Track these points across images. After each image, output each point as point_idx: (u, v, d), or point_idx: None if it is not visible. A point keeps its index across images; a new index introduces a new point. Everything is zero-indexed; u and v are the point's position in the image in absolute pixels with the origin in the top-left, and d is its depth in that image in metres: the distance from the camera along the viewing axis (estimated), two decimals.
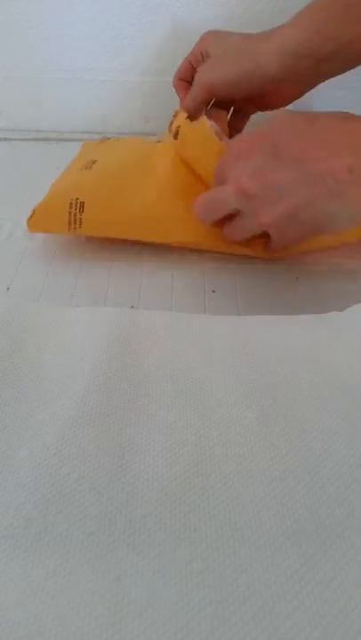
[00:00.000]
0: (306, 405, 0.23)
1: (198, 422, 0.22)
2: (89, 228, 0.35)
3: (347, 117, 0.28)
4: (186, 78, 0.42)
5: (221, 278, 0.35)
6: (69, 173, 0.41)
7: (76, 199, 0.35)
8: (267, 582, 0.17)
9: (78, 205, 0.34)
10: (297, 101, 0.42)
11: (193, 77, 0.39)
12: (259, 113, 0.42)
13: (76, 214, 0.34)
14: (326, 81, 0.38)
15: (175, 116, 0.40)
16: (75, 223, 0.34)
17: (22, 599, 0.16)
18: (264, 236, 0.31)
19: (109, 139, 0.48)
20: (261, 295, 0.33)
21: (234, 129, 0.42)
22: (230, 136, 0.40)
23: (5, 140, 0.54)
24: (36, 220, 0.35)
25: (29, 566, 0.17)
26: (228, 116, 0.41)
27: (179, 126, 0.38)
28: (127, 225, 0.35)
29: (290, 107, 0.40)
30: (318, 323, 0.28)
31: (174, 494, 0.19)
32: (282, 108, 0.31)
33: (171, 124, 0.40)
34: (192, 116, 0.38)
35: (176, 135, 0.38)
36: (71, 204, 0.35)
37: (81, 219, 0.34)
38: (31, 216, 0.35)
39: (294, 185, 0.27)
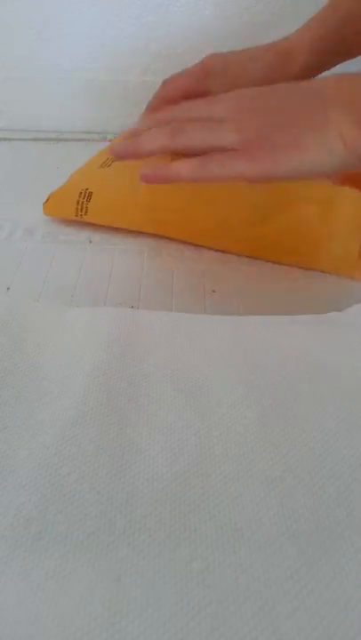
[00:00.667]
0: (306, 405, 0.23)
1: (198, 422, 0.22)
2: (93, 215, 0.38)
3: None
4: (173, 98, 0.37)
5: (221, 278, 0.35)
6: (89, 167, 0.42)
7: (86, 189, 0.38)
8: (267, 582, 0.17)
9: (87, 195, 0.38)
10: None
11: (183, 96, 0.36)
12: None
13: (83, 202, 0.38)
14: None
15: None
16: (81, 211, 0.38)
17: (22, 599, 0.16)
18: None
19: None
20: (261, 295, 0.33)
21: None
22: None
23: (5, 139, 0.54)
24: (50, 205, 0.39)
25: (29, 566, 0.17)
26: None
27: None
28: (128, 216, 0.38)
29: None
30: (318, 323, 0.28)
31: (174, 494, 0.19)
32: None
33: None
34: None
35: None
36: (81, 193, 0.38)
37: (87, 207, 0.38)
38: (47, 201, 0.39)
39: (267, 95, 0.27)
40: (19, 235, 0.39)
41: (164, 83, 0.37)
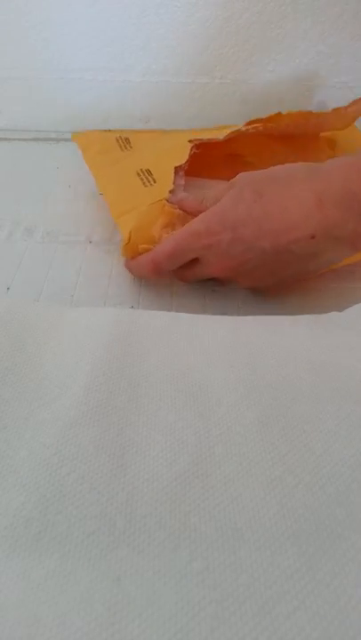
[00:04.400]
0: (306, 405, 0.23)
1: (198, 422, 0.22)
2: None
3: (291, 179, 0.28)
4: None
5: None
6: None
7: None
8: (267, 582, 0.17)
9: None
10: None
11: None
12: None
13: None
14: None
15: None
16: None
17: (22, 599, 0.16)
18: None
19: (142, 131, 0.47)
20: (261, 295, 0.33)
21: None
22: None
23: (5, 139, 0.54)
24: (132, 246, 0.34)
25: (29, 566, 0.17)
26: None
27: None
28: None
29: None
30: (318, 323, 0.28)
31: (174, 494, 0.19)
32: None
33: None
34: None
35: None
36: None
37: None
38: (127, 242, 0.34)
39: (265, 260, 0.29)
40: (19, 235, 0.39)
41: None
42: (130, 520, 0.18)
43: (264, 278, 0.31)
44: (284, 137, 0.44)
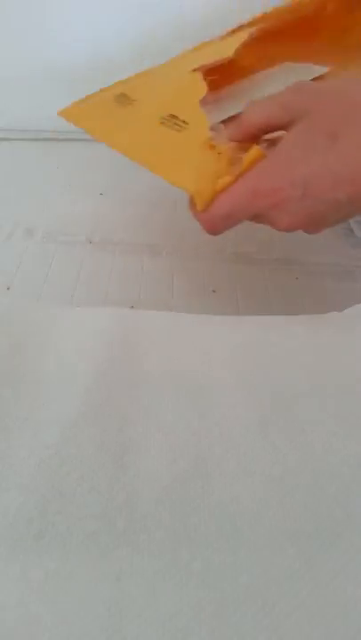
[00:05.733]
0: (306, 405, 0.23)
1: (198, 422, 0.22)
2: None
3: None
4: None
5: (221, 278, 0.35)
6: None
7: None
8: (267, 582, 0.17)
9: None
10: None
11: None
12: None
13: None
14: None
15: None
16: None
17: (22, 599, 0.16)
18: None
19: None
20: (261, 295, 0.33)
21: None
22: None
23: (5, 139, 0.54)
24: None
25: (29, 566, 0.17)
26: None
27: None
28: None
29: None
30: (318, 323, 0.28)
31: (174, 494, 0.19)
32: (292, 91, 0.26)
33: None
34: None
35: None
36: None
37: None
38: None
39: (336, 211, 0.26)
40: (19, 235, 0.39)
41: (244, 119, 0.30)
42: (130, 520, 0.18)
43: (325, 225, 0.28)
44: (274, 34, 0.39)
